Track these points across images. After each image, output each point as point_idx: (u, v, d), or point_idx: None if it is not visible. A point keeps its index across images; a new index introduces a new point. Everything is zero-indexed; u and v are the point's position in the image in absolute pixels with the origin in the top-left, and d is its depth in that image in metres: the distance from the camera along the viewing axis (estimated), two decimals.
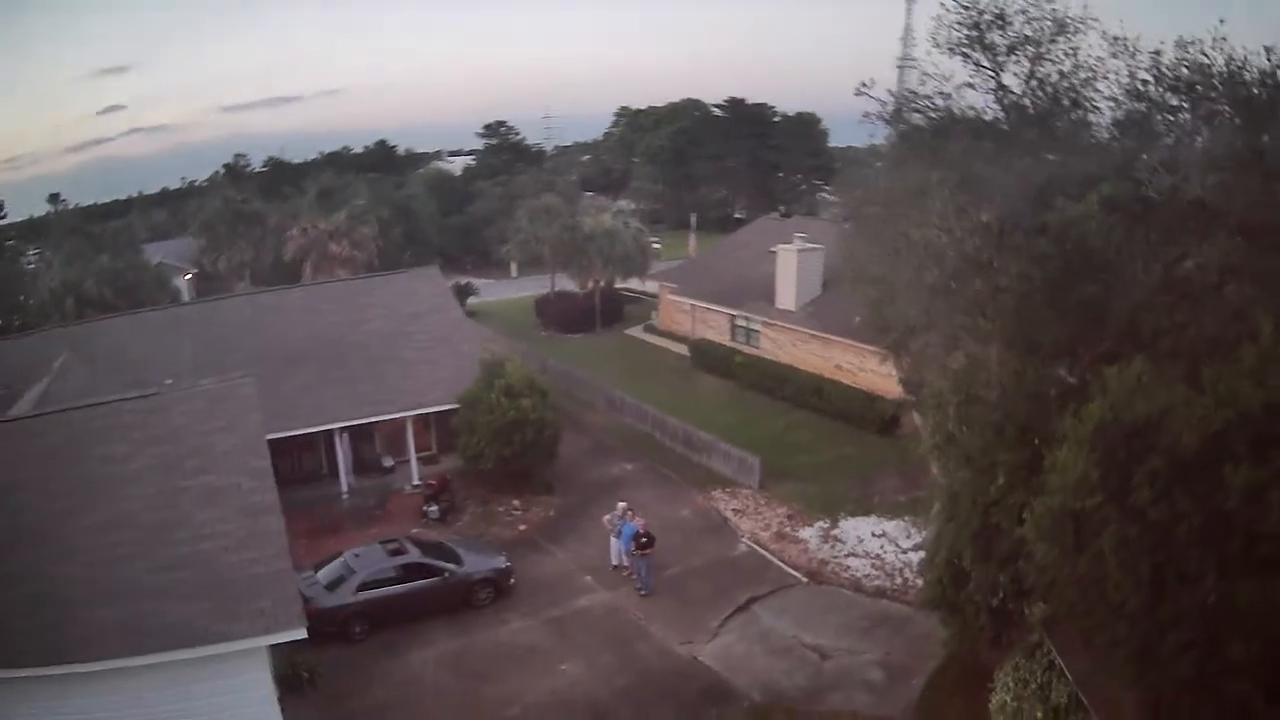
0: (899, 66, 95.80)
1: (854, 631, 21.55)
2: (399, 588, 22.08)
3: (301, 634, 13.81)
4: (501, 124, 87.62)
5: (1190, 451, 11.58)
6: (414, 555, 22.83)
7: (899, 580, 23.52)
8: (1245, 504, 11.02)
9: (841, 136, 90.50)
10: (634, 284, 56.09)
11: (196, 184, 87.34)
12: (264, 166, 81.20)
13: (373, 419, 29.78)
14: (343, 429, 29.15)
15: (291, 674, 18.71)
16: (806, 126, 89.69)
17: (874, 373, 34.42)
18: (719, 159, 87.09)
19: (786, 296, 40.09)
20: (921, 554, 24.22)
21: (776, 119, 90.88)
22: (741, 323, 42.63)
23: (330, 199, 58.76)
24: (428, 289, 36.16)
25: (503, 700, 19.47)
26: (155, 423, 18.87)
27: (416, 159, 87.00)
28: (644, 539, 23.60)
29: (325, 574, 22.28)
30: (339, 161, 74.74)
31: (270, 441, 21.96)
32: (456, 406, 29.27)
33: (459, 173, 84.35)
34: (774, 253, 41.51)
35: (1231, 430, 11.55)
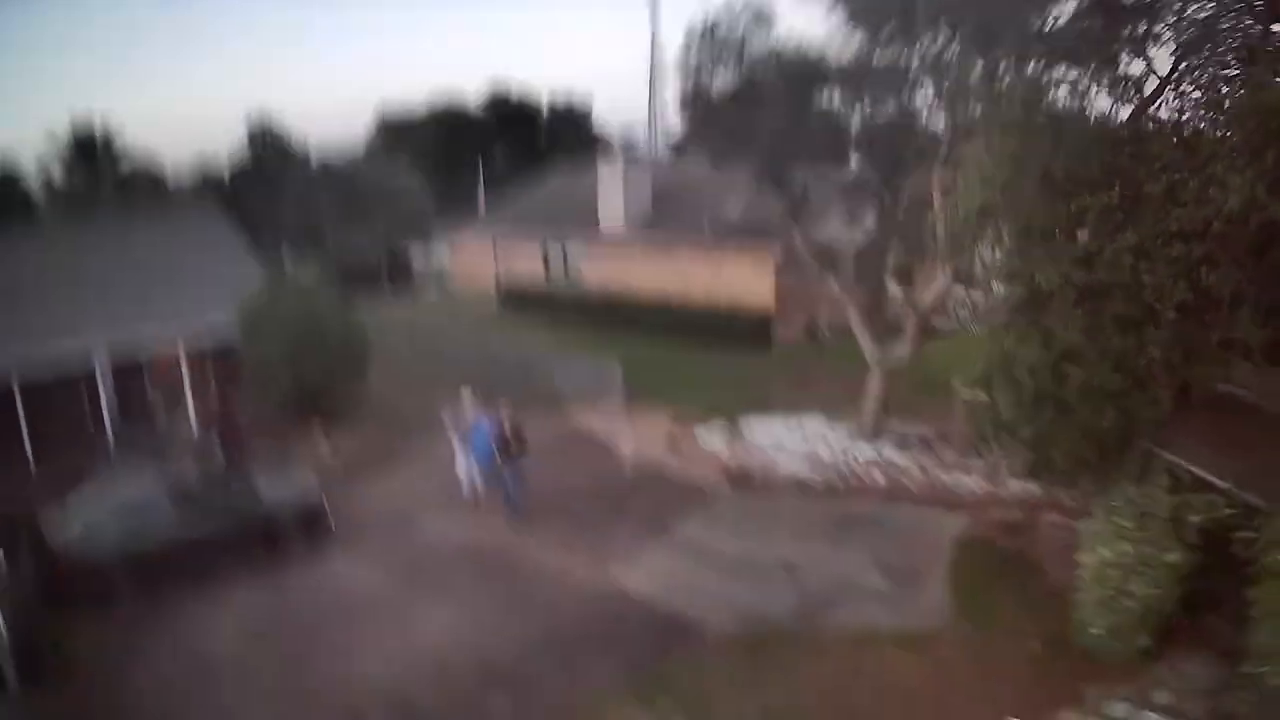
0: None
1: (818, 538, 15.85)
2: (178, 532, 14.97)
3: None
4: None
5: None
6: (195, 485, 15.84)
7: (852, 478, 18.14)
8: None
9: None
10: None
11: None
12: None
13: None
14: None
15: (34, 653, 12.57)
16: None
17: (735, 280, 29.47)
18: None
19: (614, 215, 34.18)
20: (859, 449, 19.44)
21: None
22: (559, 252, 36.34)
23: None
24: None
25: (338, 678, 12.25)
26: None
27: None
28: (509, 441, 16.86)
29: (79, 516, 15.20)
30: None
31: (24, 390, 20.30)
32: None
33: None
34: (589, 180, 35.66)
35: None
